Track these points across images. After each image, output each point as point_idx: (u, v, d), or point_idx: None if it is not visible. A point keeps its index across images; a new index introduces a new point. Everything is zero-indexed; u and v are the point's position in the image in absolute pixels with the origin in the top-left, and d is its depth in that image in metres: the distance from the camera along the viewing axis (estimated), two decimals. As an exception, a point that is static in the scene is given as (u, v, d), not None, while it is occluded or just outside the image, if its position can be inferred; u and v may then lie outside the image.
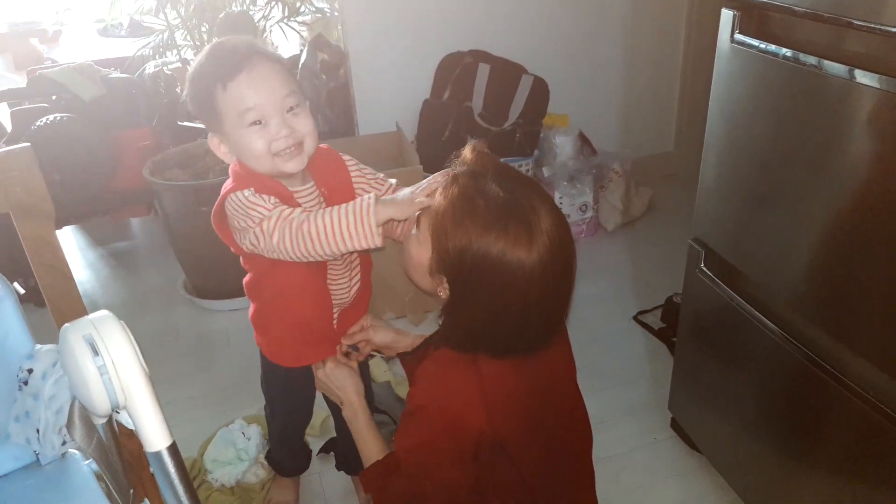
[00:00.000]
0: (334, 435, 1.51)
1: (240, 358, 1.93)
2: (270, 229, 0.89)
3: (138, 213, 2.70)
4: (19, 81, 3.63)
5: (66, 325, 0.64)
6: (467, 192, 0.81)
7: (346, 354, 1.16)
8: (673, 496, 1.45)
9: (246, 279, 1.11)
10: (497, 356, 0.85)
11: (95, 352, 0.62)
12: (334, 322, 1.13)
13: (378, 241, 0.87)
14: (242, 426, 1.61)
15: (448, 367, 0.86)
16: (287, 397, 1.30)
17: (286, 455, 1.46)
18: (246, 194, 0.93)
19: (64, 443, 0.73)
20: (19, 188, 0.78)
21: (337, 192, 1.04)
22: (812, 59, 0.98)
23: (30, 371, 0.74)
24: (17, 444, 0.76)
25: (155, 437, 0.63)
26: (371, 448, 1.02)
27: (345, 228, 0.87)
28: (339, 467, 1.48)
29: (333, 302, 1.10)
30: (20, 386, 0.75)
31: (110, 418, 0.72)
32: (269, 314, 1.12)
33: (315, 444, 1.58)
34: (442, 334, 0.90)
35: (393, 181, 1.10)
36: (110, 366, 0.62)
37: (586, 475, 1.02)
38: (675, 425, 1.58)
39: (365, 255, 1.14)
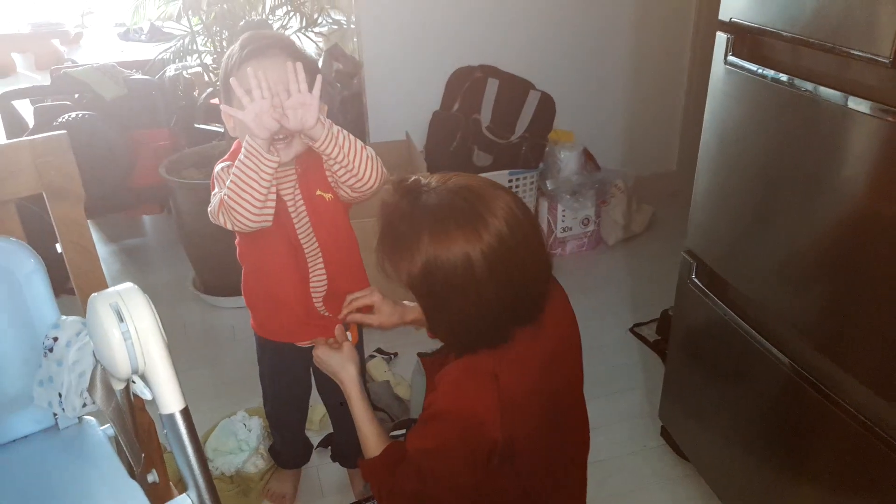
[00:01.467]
0: (332, 430, 1.56)
1: (244, 353, 1.98)
2: (215, 206, 1.01)
3: (152, 210, 2.78)
4: (40, 80, 3.74)
5: (94, 294, 0.69)
6: (385, 224, 0.85)
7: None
8: (659, 502, 1.48)
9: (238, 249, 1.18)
10: (506, 340, 0.87)
11: (120, 319, 0.67)
12: (319, 306, 1.18)
13: (266, 152, 0.95)
14: (244, 418, 1.66)
15: (468, 376, 0.88)
16: (275, 377, 1.35)
17: (286, 447, 1.50)
18: (219, 167, 1.04)
19: (84, 405, 0.78)
20: (53, 171, 0.85)
21: (309, 169, 1.09)
22: (800, 82, 1.03)
23: (55, 339, 0.80)
24: (39, 407, 0.82)
25: (170, 399, 0.69)
26: (365, 433, 1.04)
27: (244, 166, 0.96)
28: (334, 459, 1.53)
29: (312, 287, 1.16)
30: (45, 353, 0.80)
31: (127, 387, 0.77)
32: (251, 285, 1.19)
33: (314, 438, 1.62)
34: (448, 348, 0.93)
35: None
36: (133, 332, 0.67)
37: (580, 483, 1.06)
38: (664, 434, 1.62)
39: (337, 247, 1.17)
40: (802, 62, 1.07)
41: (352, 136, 1.03)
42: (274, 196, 1.02)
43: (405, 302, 1.17)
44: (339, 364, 1.09)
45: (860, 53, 0.91)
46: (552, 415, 0.94)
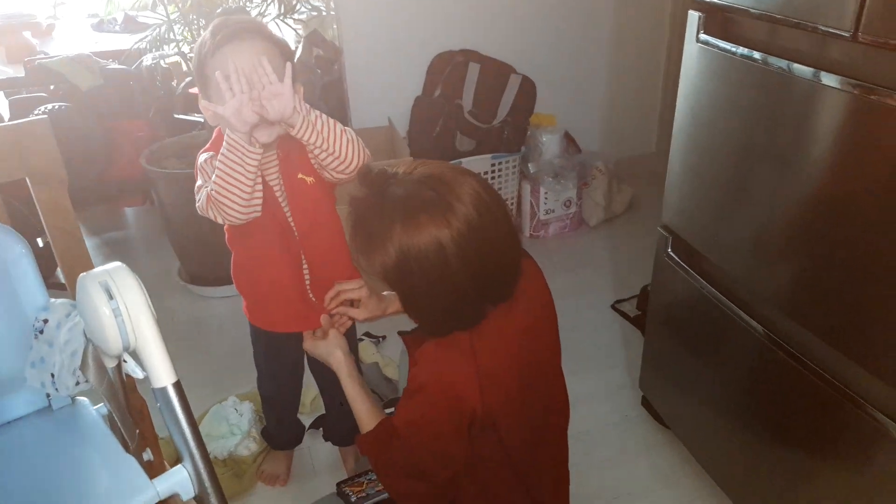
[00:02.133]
0: (324, 412, 1.59)
1: (232, 342, 2.00)
2: (203, 202, 1.03)
3: (133, 202, 2.76)
4: (11, 73, 3.68)
5: (83, 273, 0.71)
6: (356, 219, 0.87)
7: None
8: (642, 469, 1.53)
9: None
10: (479, 320, 0.90)
11: (110, 296, 0.69)
12: (309, 294, 1.20)
13: (248, 144, 0.97)
14: (235, 403, 1.68)
15: (447, 349, 0.91)
16: (269, 362, 1.37)
17: (279, 429, 1.53)
18: (203, 158, 1.04)
19: (77, 384, 0.80)
20: (36, 156, 0.85)
21: (291, 152, 1.10)
22: (772, 59, 1.06)
23: (45, 321, 0.81)
24: (32, 388, 0.83)
25: (162, 373, 0.71)
26: (360, 411, 1.07)
27: (228, 160, 0.97)
28: (326, 438, 1.56)
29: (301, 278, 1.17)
30: (36, 335, 0.82)
31: (119, 365, 0.79)
32: (238, 274, 1.21)
33: (305, 420, 1.65)
34: (421, 331, 0.95)
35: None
36: (123, 309, 0.69)
37: (562, 450, 1.09)
38: (645, 403, 1.67)
39: (315, 233, 1.17)
40: (773, 39, 1.10)
41: (331, 121, 1.04)
42: (261, 187, 1.03)
43: (385, 293, 1.19)
44: (327, 351, 1.12)
45: (825, 28, 0.94)
46: (530, 385, 0.97)
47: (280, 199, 1.13)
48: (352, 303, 1.18)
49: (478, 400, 0.89)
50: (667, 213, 1.42)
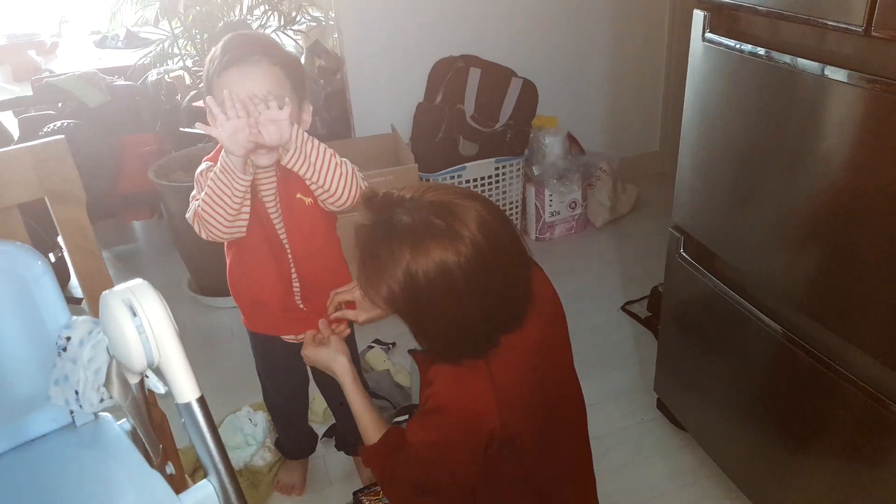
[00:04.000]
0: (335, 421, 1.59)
1: (243, 351, 1.99)
2: (191, 213, 1.05)
3: (141, 216, 2.77)
4: (19, 92, 3.70)
5: (105, 291, 0.72)
6: (363, 247, 0.86)
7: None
8: (659, 472, 1.53)
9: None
10: (489, 347, 0.89)
11: (133, 313, 0.69)
12: (298, 302, 1.20)
13: (240, 170, 0.98)
14: (249, 413, 1.68)
15: (462, 369, 0.89)
16: (270, 372, 1.37)
17: (292, 439, 1.53)
18: (201, 168, 1.06)
19: (101, 400, 0.80)
20: (54, 176, 0.86)
21: (291, 173, 1.08)
22: (778, 55, 1.06)
23: (68, 339, 0.82)
24: (56, 405, 0.84)
25: (186, 389, 0.71)
26: (363, 420, 1.06)
27: (218, 181, 0.98)
28: (338, 447, 1.56)
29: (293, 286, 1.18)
30: (59, 352, 0.82)
31: (142, 381, 0.80)
32: (233, 277, 1.22)
33: (319, 430, 1.65)
34: (431, 354, 0.94)
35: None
36: (146, 325, 0.69)
37: (584, 455, 1.09)
38: (660, 406, 1.67)
39: (308, 252, 1.17)
40: (779, 35, 1.10)
41: (328, 153, 1.03)
42: (247, 211, 1.04)
43: None
44: (330, 358, 1.10)
45: (835, 24, 0.95)
46: (546, 397, 0.97)
47: (275, 219, 1.14)
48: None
49: (496, 419, 0.89)
50: (678, 214, 1.42)
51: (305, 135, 1.01)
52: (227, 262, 1.22)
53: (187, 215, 1.06)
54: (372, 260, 0.85)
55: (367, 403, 1.07)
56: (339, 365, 1.08)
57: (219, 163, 0.99)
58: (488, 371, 0.89)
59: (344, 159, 1.06)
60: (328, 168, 1.03)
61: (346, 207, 1.08)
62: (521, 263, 0.89)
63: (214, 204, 0.99)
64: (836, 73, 0.96)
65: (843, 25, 0.93)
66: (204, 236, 1.05)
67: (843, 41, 0.97)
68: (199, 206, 1.01)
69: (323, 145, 1.03)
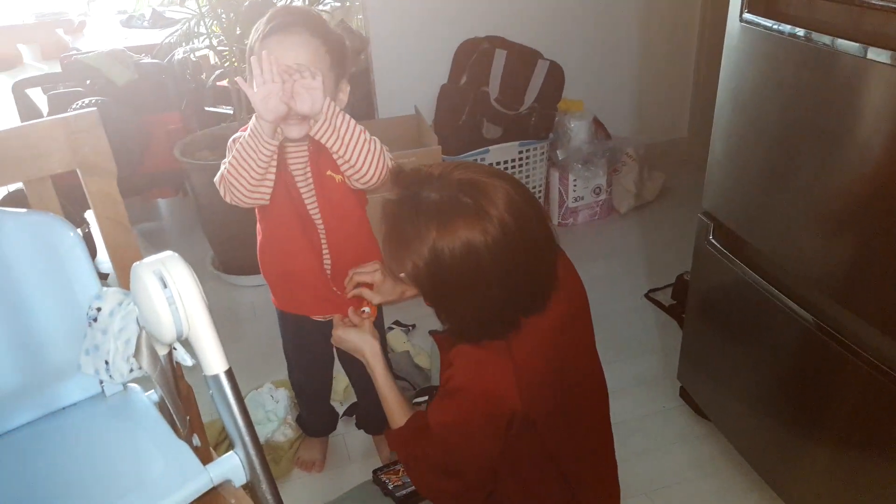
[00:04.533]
0: (356, 400, 1.60)
1: (266, 329, 2.02)
2: (218, 176, 1.06)
3: (166, 194, 2.81)
4: (47, 70, 3.75)
5: (136, 262, 0.72)
6: (389, 222, 0.85)
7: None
8: (681, 460, 1.51)
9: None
10: (511, 330, 0.88)
11: (164, 285, 0.70)
12: (328, 280, 1.20)
13: (268, 135, 0.98)
14: (271, 389, 1.70)
15: (483, 350, 0.89)
16: (298, 350, 1.38)
17: (313, 416, 1.55)
18: (234, 135, 1.06)
19: (131, 370, 0.81)
20: (86, 147, 0.87)
21: (323, 149, 1.08)
22: (818, 36, 1.03)
23: (98, 309, 0.83)
24: (86, 374, 0.85)
25: (214, 361, 0.72)
26: (391, 404, 1.07)
27: (246, 145, 0.99)
28: (359, 426, 1.57)
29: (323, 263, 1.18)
30: (90, 323, 0.84)
31: (170, 353, 0.80)
32: (265, 256, 1.22)
33: (339, 408, 1.66)
34: (453, 334, 0.93)
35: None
36: (177, 297, 0.70)
37: (606, 437, 1.08)
38: (683, 394, 1.65)
39: (341, 228, 1.17)
40: (819, 15, 1.06)
41: (357, 129, 1.03)
42: (271, 178, 1.04)
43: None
44: (360, 339, 1.10)
45: (880, 3, 0.91)
46: (567, 379, 0.96)
47: (305, 195, 1.14)
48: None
49: (517, 401, 0.88)
50: (708, 200, 1.40)
51: (337, 108, 1.01)
52: (259, 237, 1.22)
53: (215, 179, 1.08)
54: (398, 235, 0.84)
55: (394, 387, 1.07)
56: (370, 348, 1.09)
57: (249, 127, 1.01)
58: (509, 352, 0.89)
59: (373, 137, 1.06)
60: (356, 143, 1.03)
61: (373, 185, 1.08)
62: (547, 247, 0.88)
63: (240, 167, 1.00)
64: (879, 55, 0.92)
65: (889, 5, 0.89)
66: (228, 200, 1.06)
67: (889, 21, 0.93)
68: (225, 168, 1.03)
69: (353, 121, 1.03)
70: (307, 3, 2.80)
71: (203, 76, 2.77)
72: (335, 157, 1.05)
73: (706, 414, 1.57)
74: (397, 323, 2.01)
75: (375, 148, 1.05)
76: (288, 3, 2.47)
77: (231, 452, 0.75)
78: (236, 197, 1.04)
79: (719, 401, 1.50)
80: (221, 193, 1.06)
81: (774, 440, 1.31)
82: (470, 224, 0.80)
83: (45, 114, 2.49)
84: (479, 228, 0.80)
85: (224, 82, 2.67)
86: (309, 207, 1.15)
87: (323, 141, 1.02)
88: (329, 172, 1.12)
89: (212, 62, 2.88)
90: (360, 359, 1.13)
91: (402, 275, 0.87)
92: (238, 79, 1.04)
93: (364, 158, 1.04)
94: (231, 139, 1.09)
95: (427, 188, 0.83)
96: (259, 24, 1.03)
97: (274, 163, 1.03)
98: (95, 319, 0.83)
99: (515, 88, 2.45)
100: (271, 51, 0.97)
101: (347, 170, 1.06)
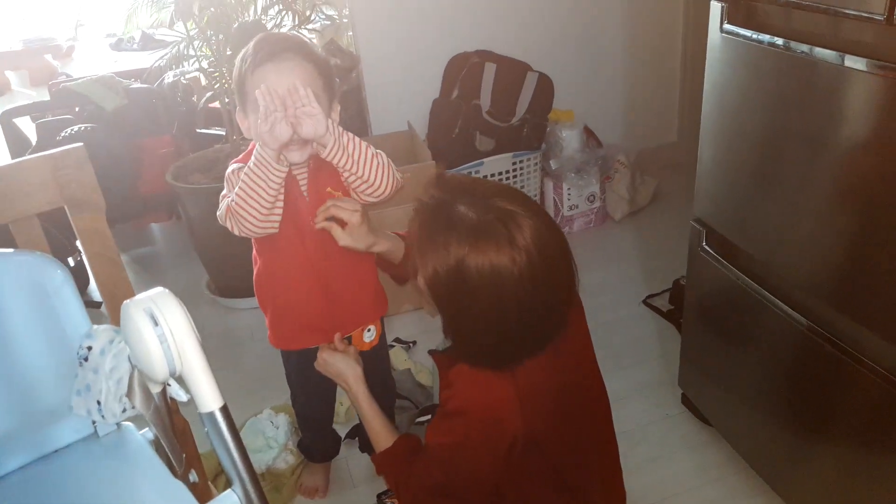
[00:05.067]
0: (358, 422, 1.58)
1: (264, 353, 2.01)
2: (223, 210, 1.04)
3: (159, 218, 2.79)
4: (36, 97, 3.75)
5: (126, 300, 0.71)
6: (421, 223, 0.86)
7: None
8: (686, 467, 1.50)
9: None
10: (515, 363, 0.88)
11: (155, 323, 0.69)
12: (329, 310, 1.18)
13: (275, 161, 0.99)
14: (270, 415, 1.68)
15: (484, 371, 0.89)
16: (303, 383, 1.36)
17: (316, 442, 1.53)
18: (231, 168, 1.05)
19: (124, 410, 0.80)
20: (74, 184, 0.86)
21: (323, 166, 1.08)
22: (796, 45, 1.04)
23: (89, 348, 0.82)
24: (78, 416, 0.84)
25: (209, 398, 0.71)
26: (375, 429, 1.07)
27: (253, 174, 0.99)
28: (362, 450, 1.56)
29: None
30: (80, 362, 0.82)
31: (164, 389, 0.79)
32: (259, 286, 1.21)
33: (341, 430, 1.65)
34: (455, 354, 0.93)
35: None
36: (168, 334, 0.69)
37: (610, 448, 1.07)
38: (685, 401, 1.64)
39: (335, 247, 1.14)
40: (797, 25, 1.07)
41: (363, 144, 1.04)
42: (281, 204, 1.04)
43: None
44: (345, 364, 1.11)
45: (855, 13, 0.92)
46: (570, 395, 0.96)
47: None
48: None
49: (519, 423, 0.88)
50: (699, 207, 1.40)
51: (340, 128, 1.02)
52: (258, 264, 1.20)
53: (218, 213, 1.07)
54: (428, 241, 0.85)
55: (378, 412, 1.08)
56: (353, 372, 1.11)
57: (252, 157, 1.00)
58: (511, 373, 0.88)
59: (378, 151, 1.06)
60: (366, 159, 1.04)
61: (385, 197, 1.09)
62: (566, 291, 0.88)
63: (249, 198, 1.00)
64: (856, 63, 0.93)
65: (865, 14, 0.90)
66: (237, 232, 1.04)
67: (864, 30, 0.94)
68: (232, 201, 1.01)
69: (357, 138, 1.04)
70: (297, 22, 2.81)
71: (194, 98, 2.77)
72: (348, 175, 1.05)
73: (709, 420, 1.56)
74: (398, 340, 2.00)
75: (382, 160, 1.06)
76: (273, 28, 2.47)
77: (229, 491, 0.73)
78: (246, 228, 1.03)
79: (721, 407, 1.49)
80: (229, 227, 1.04)
81: (777, 444, 1.30)
82: (500, 250, 0.81)
83: (33, 142, 2.48)
84: (507, 256, 0.80)
85: (215, 104, 2.67)
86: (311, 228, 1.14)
87: (335, 162, 1.02)
88: (329, 189, 1.12)
89: (203, 84, 2.88)
90: (342, 384, 1.13)
91: (420, 279, 0.87)
92: (238, 115, 1.03)
93: (375, 172, 1.05)
94: (229, 171, 1.08)
95: (465, 204, 0.83)
96: (245, 54, 1.02)
97: (283, 189, 1.03)
98: (86, 359, 0.82)
99: (507, 101, 2.46)
100: (268, 78, 0.97)
101: (360, 185, 1.06)
